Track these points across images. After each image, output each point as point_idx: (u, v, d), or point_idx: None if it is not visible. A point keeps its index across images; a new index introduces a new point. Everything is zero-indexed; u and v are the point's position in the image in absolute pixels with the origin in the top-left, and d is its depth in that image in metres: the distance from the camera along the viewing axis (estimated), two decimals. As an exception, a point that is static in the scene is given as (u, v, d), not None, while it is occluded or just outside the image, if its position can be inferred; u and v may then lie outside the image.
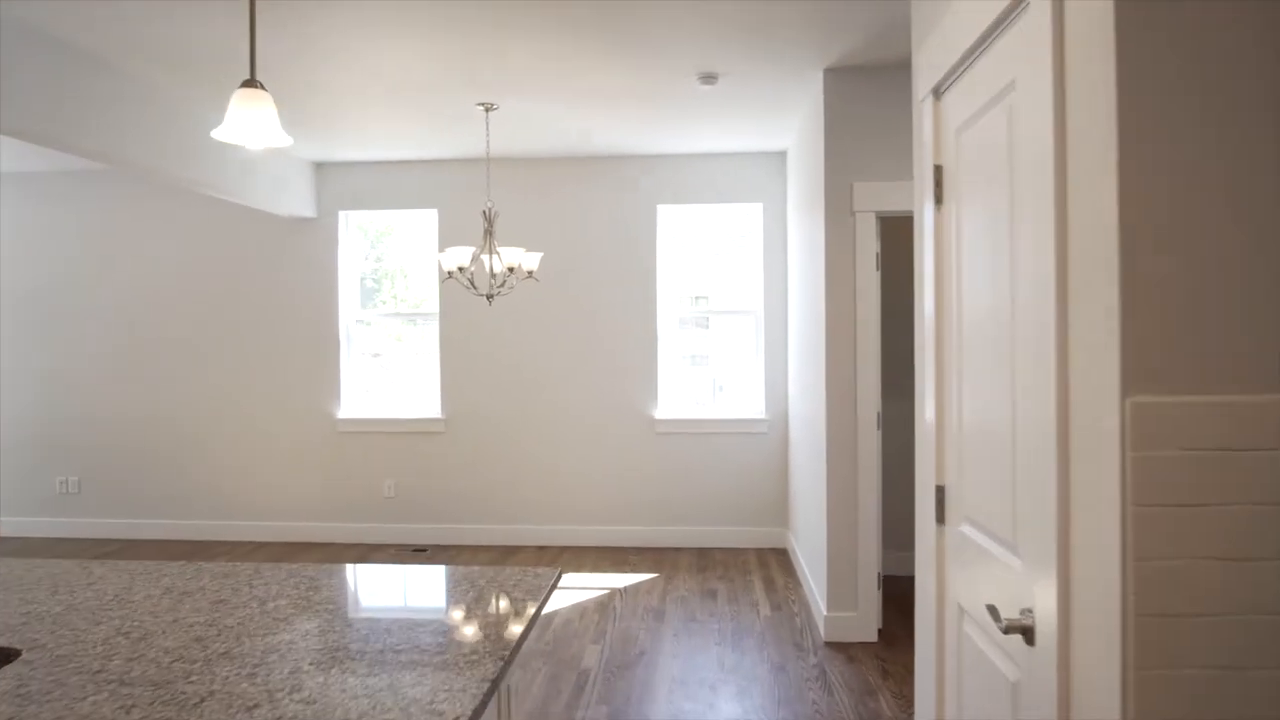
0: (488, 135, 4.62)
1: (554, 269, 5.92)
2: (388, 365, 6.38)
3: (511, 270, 4.33)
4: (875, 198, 4.05)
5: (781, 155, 5.82)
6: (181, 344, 6.26)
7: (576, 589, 4.99)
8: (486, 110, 4.53)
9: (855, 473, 4.10)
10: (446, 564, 5.75)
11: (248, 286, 6.18)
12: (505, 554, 5.82)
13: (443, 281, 4.80)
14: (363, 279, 6.32)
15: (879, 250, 4.12)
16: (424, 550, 5.90)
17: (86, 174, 6.24)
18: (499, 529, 6.05)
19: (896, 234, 4.97)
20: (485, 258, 4.46)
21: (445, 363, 6.07)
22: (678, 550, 5.86)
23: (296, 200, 5.83)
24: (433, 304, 6.15)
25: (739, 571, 5.33)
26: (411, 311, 6.32)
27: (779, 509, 5.87)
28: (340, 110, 4.66)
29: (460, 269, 4.30)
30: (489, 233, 4.46)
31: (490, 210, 4.48)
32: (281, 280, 6.15)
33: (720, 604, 4.70)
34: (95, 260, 6.29)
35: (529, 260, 4.52)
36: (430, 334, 6.20)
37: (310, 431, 6.16)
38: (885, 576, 4.33)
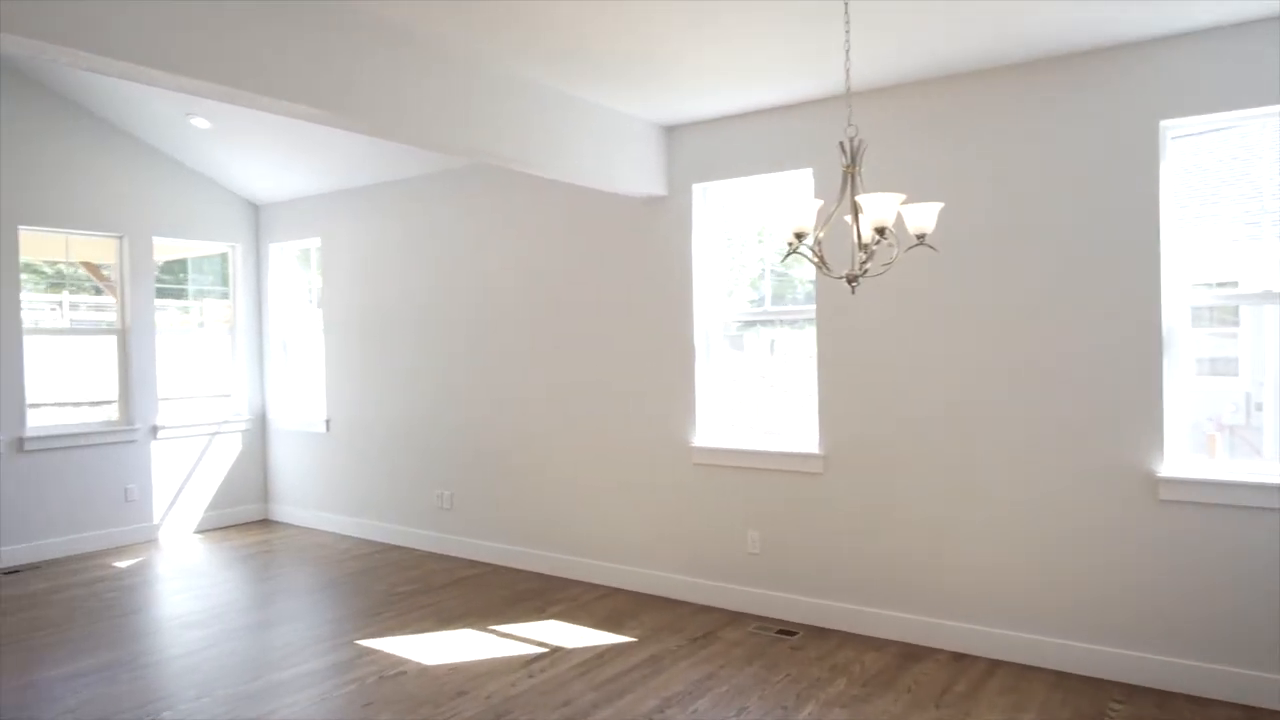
0: (847, 22, 2.90)
1: (970, 239, 3.94)
2: (754, 381, 4.96)
3: (881, 234, 2.57)
4: None
5: None
6: (528, 354, 5.56)
7: (1008, 761, 3.02)
8: (848, -17, 2.84)
9: None
10: (819, 660, 4.18)
11: (594, 284, 5.24)
12: (905, 657, 4.00)
13: (783, 259, 3.25)
14: (750, 271, 4.98)
15: None
16: (793, 636, 4.34)
17: (426, 178, 5.92)
18: (896, 618, 4.23)
19: None
20: (847, 218, 2.78)
21: (824, 379, 4.44)
22: (1204, 705, 3.44)
23: (645, 174, 4.71)
24: (810, 299, 4.58)
25: (1344, 782, 2.83)
26: (781, 311, 4.82)
27: None
28: (663, 35, 3.36)
29: (799, 236, 2.68)
30: (850, 175, 2.75)
31: (854, 141, 2.77)
32: (629, 275, 5.09)
33: None
34: (456, 263, 5.93)
35: (917, 216, 2.71)
36: (807, 341, 4.64)
37: (663, 462, 5.00)
38: None
